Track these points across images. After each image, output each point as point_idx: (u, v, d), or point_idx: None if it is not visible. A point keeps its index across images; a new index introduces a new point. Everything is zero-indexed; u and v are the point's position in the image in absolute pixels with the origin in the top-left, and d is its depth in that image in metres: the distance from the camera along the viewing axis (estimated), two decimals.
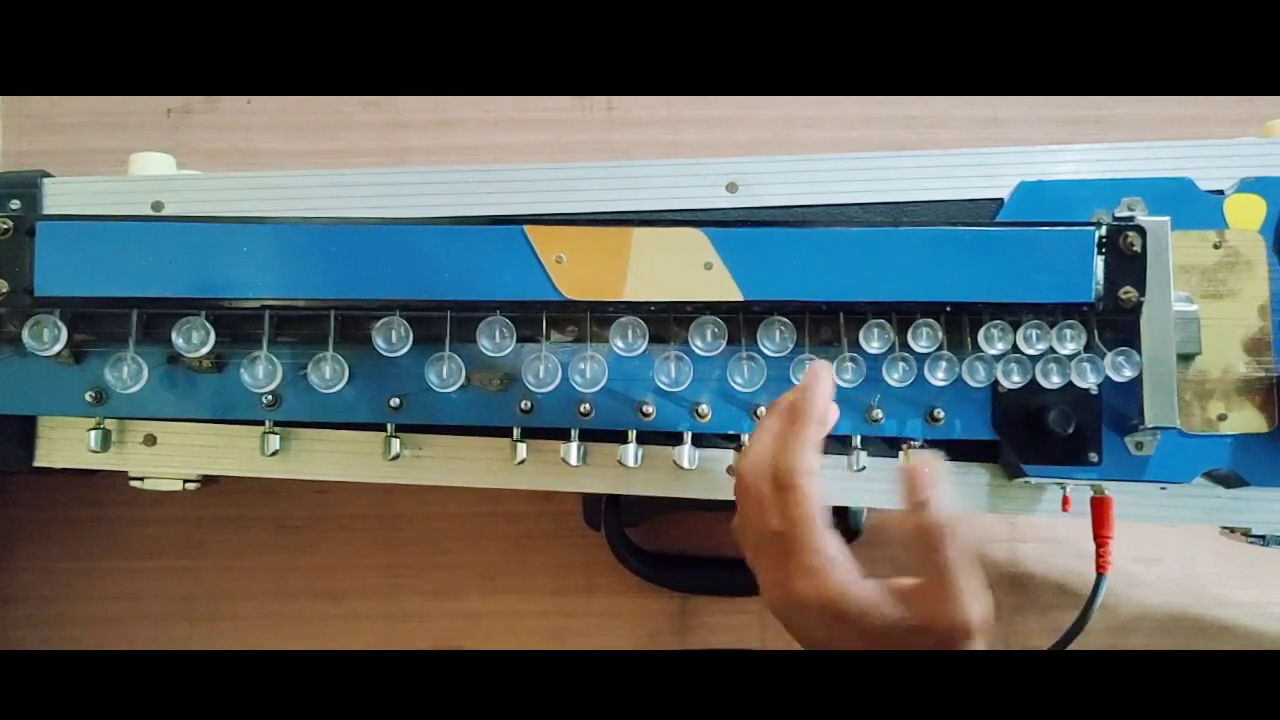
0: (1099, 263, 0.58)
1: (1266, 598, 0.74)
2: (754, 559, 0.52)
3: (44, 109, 0.76)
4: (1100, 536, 0.62)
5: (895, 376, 0.58)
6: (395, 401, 0.60)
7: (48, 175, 0.63)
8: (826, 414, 0.52)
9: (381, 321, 0.57)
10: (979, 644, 0.47)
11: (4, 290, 0.57)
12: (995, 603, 0.48)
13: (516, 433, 0.61)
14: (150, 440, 0.63)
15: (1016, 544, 0.74)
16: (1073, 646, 0.62)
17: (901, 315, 0.58)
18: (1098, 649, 0.71)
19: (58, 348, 0.57)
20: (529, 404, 0.60)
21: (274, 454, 0.61)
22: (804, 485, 0.49)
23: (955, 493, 0.46)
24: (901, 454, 0.61)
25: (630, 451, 0.60)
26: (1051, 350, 0.58)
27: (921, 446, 0.60)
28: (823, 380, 0.52)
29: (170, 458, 0.63)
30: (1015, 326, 0.58)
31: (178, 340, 0.57)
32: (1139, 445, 0.60)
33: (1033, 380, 0.58)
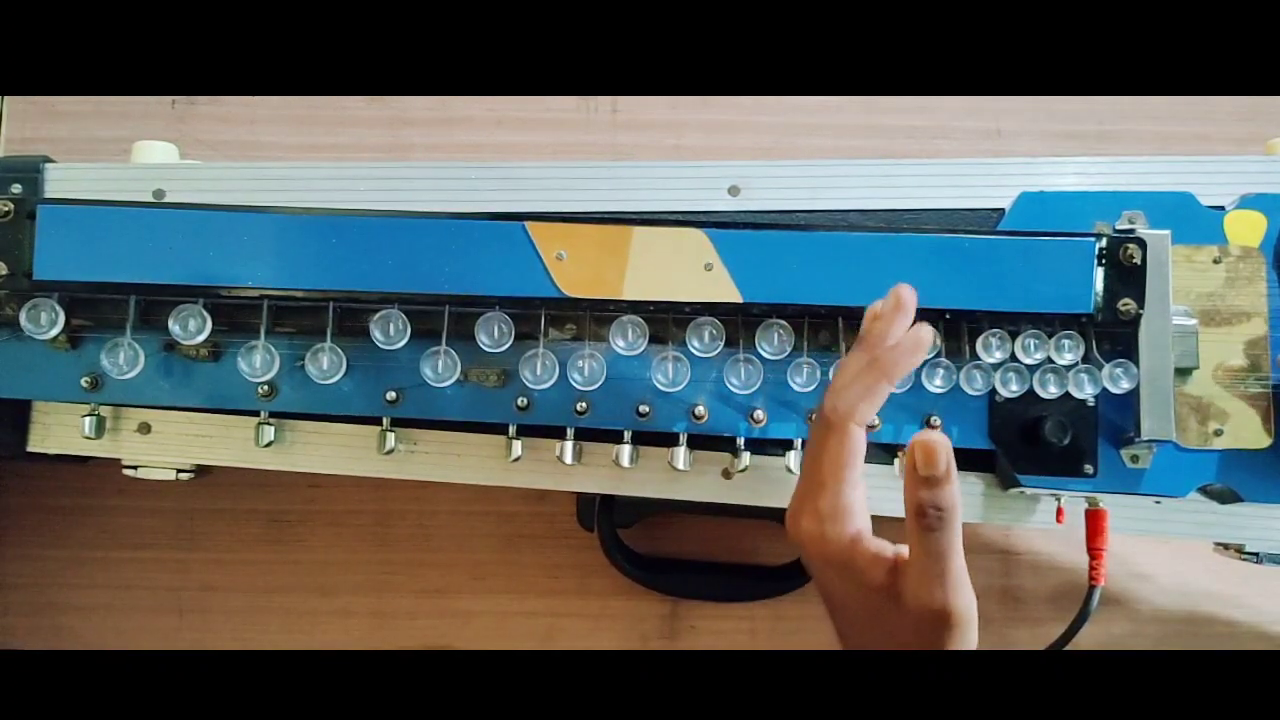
0: (1099, 274, 0.58)
1: (1259, 617, 0.74)
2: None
3: (48, 97, 0.76)
4: (1094, 549, 0.61)
5: None
6: (392, 395, 0.60)
7: (50, 160, 0.63)
8: (899, 371, 0.49)
9: (379, 314, 0.57)
10: (958, 641, 0.46)
11: (3, 273, 0.57)
12: (986, 614, 0.47)
13: (512, 429, 0.61)
14: (145, 428, 0.62)
15: (1010, 555, 0.73)
16: None
17: None
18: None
19: (54, 331, 0.57)
20: (525, 401, 0.60)
21: (268, 445, 0.61)
22: (849, 431, 0.48)
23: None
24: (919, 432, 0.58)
25: (625, 452, 0.60)
26: (1049, 360, 0.58)
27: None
28: (919, 343, 0.49)
29: (164, 446, 0.63)
30: (1014, 335, 0.58)
31: (174, 327, 0.56)
32: (1134, 458, 0.60)
33: (1030, 390, 0.58)
